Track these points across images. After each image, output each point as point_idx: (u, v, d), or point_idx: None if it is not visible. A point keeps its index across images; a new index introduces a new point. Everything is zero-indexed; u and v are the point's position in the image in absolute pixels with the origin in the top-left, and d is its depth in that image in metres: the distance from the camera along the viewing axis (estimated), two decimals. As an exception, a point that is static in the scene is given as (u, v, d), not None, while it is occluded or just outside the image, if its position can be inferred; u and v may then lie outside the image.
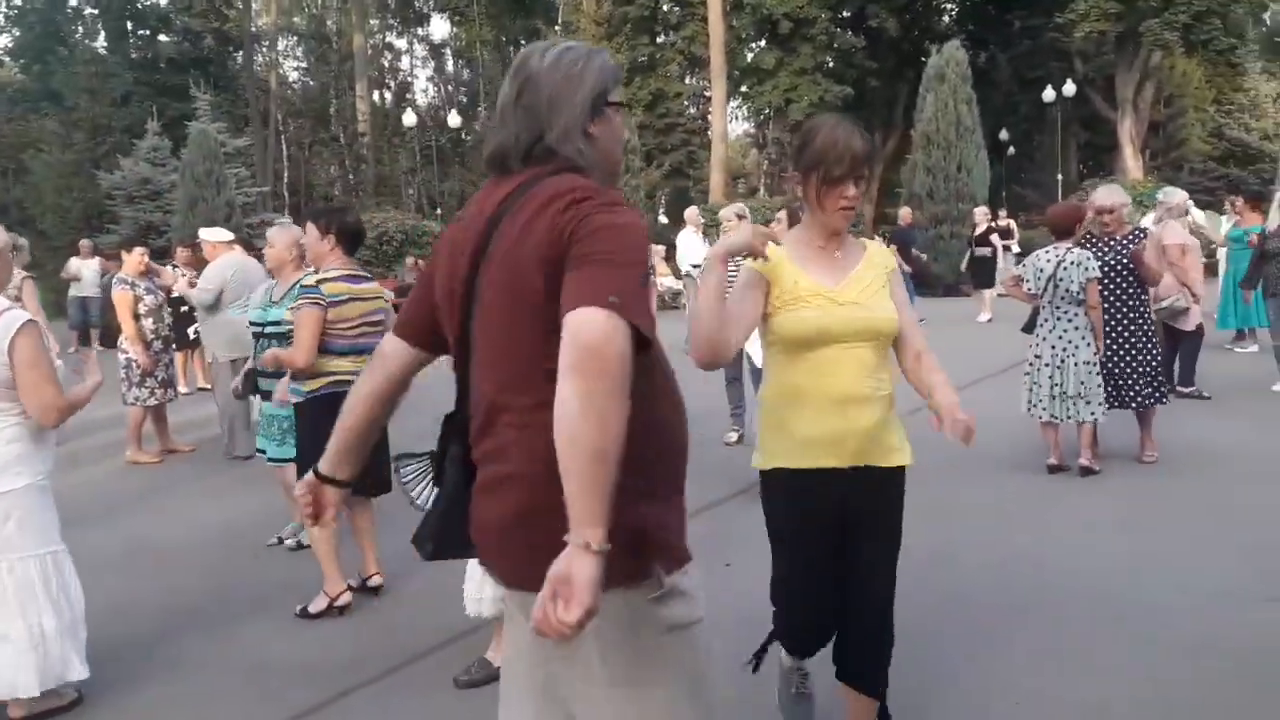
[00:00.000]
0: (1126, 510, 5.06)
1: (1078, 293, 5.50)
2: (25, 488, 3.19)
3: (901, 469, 2.53)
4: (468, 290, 1.65)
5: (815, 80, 27.98)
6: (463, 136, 33.71)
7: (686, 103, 35.99)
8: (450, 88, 42.95)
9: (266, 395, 4.65)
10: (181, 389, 9.22)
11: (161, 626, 4.14)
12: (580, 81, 1.66)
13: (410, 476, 3.53)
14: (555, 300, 1.46)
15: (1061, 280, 5.52)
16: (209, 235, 7.51)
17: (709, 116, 32.79)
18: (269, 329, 4.61)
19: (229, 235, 7.64)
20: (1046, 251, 5.65)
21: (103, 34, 28.12)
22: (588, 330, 1.38)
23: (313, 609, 4.14)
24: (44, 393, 3.11)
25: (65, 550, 3.36)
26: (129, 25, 27.81)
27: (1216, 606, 3.77)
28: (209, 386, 10.56)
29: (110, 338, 14.98)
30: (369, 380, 1.89)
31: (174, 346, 8.45)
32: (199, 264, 11.28)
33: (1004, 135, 29.47)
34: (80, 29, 28.57)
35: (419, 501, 3.35)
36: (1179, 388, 7.52)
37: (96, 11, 27.60)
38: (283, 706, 3.32)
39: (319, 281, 4.00)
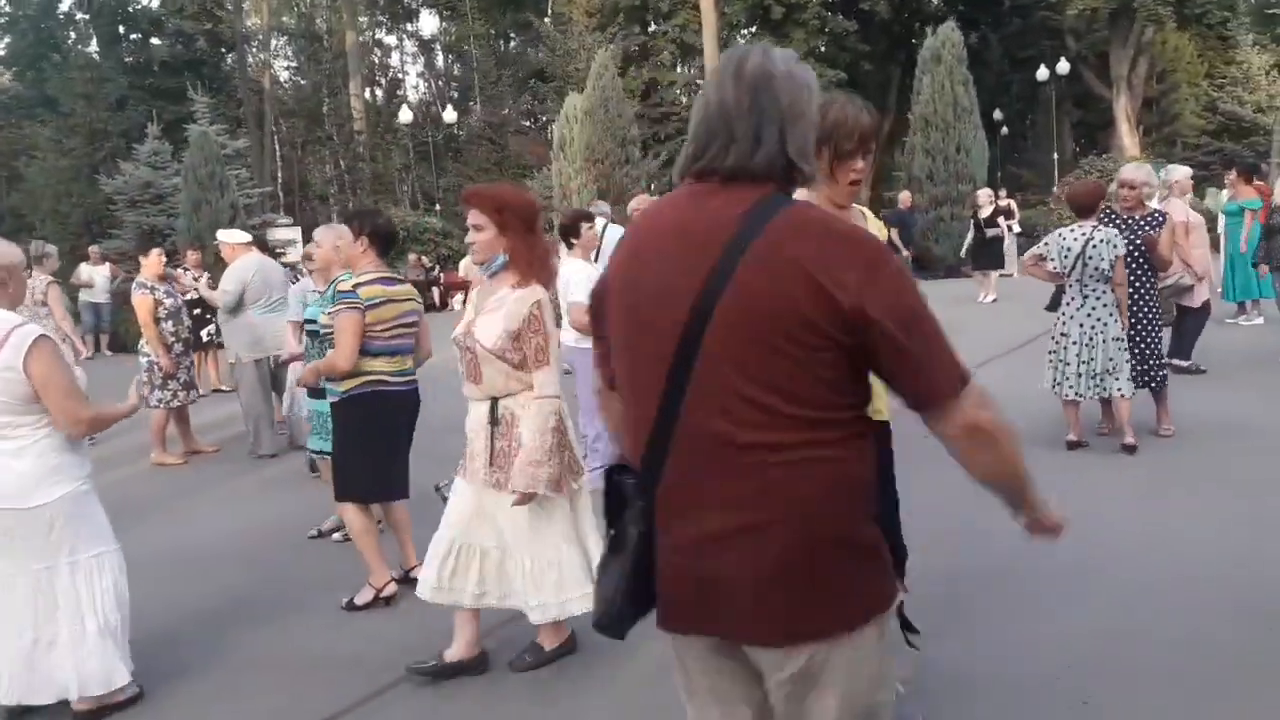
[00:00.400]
0: (1147, 483, 5.17)
1: (1107, 270, 5.57)
2: (64, 496, 3.24)
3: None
4: (698, 315, 1.49)
5: (808, 65, 27.96)
6: (456, 132, 33.65)
7: (679, 91, 35.98)
8: (441, 83, 42.85)
9: (321, 394, 4.68)
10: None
11: (208, 623, 4.23)
12: (813, 95, 1.60)
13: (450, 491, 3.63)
14: (828, 348, 1.46)
15: (1091, 258, 5.59)
16: (227, 237, 7.58)
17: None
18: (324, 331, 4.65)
19: (247, 237, 7.70)
20: (1071, 230, 5.72)
21: (95, 39, 28.05)
22: (968, 421, 1.51)
23: (359, 601, 4.24)
24: (66, 406, 3.17)
25: (115, 550, 3.42)
26: (121, 29, 27.75)
27: (1244, 573, 3.88)
28: (224, 388, 10.68)
29: (118, 343, 15.16)
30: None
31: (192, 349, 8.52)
32: (208, 267, 11.43)
33: (997, 115, 29.51)
34: (73, 34, 28.52)
35: None
36: (1175, 361, 7.57)
37: (88, 16, 27.53)
38: (336, 697, 3.41)
39: (355, 285, 4.07)
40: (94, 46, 28.23)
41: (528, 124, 35.89)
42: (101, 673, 3.31)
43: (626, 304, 1.62)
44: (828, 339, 1.45)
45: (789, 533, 1.48)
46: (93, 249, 16.03)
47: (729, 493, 1.50)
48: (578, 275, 5.68)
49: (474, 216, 3.28)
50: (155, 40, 28.22)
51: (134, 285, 7.75)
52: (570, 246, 5.98)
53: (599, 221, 6.40)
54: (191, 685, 3.64)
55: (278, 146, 34.06)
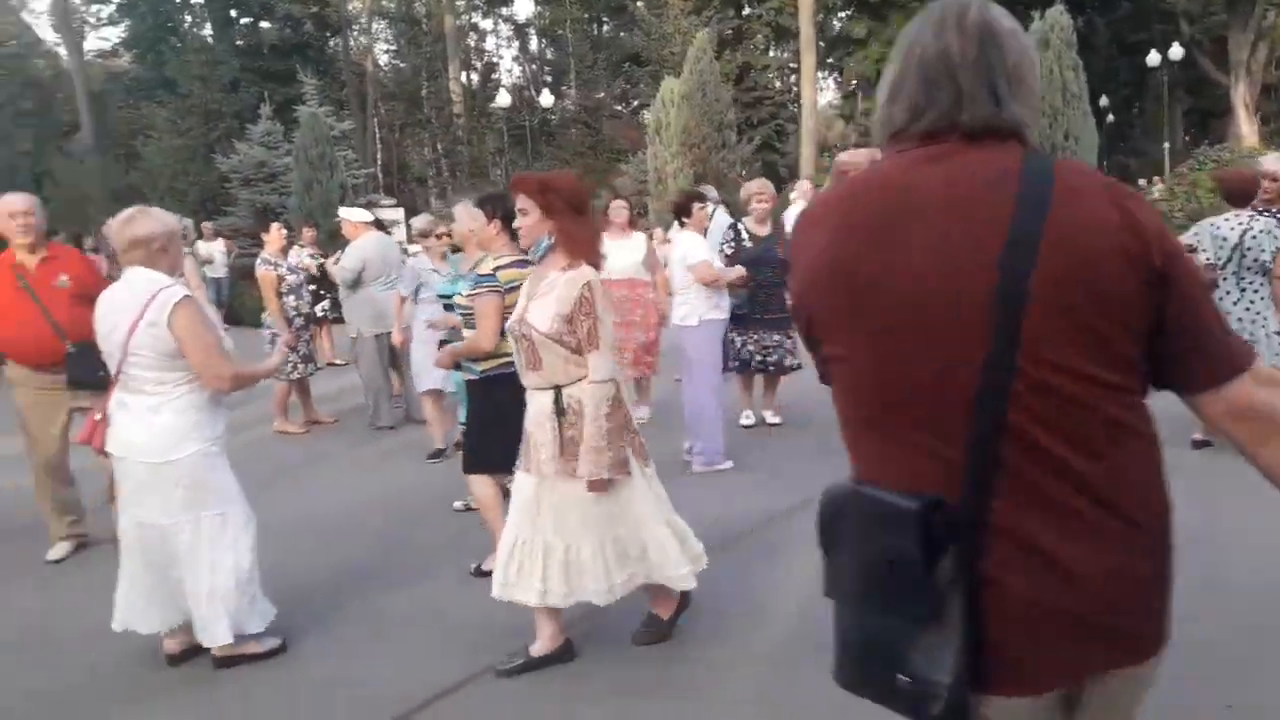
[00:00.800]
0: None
1: (1267, 261, 5.38)
2: (194, 454, 3.43)
3: None
4: (1008, 302, 1.23)
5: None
6: (549, 116, 33.99)
7: (773, 75, 35.69)
8: (535, 67, 43.28)
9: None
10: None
11: (339, 584, 4.43)
12: (1035, 64, 1.40)
13: None
14: (1138, 323, 1.26)
15: (1250, 249, 5.41)
16: (349, 215, 7.85)
17: (796, 89, 32.52)
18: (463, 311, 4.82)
19: (369, 215, 7.97)
20: (1226, 219, 5.54)
21: (209, 22, 29.14)
22: (1259, 400, 1.29)
23: (486, 566, 4.39)
24: (210, 362, 3.38)
25: (241, 510, 3.58)
26: (233, 13, 28.79)
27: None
28: (337, 361, 11.09)
29: (233, 317, 15.79)
30: None
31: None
32: (320, 244, 11.85)
33: (1104, 102, 28.53)
34: (189, 18, 29.68)
35: None
36: None
37: (203, 0, 28.60)
38: (470, 658, 3.55)
39: (495, 268, 4.20)
40: (208, 30, 29.33)
41: (620, 108, 36.05)
42: (225, 628, 3.48)
43: (883, 304, 1.31)
44: (1140, 312, 1.25)
45: (1140, 537, 1.32)
46: (206, 225, 16.69)
47: (1068, 512, 1.27)
48: (694, 245, 6.06)
49: (520, 200, 3.29)
50: (265, 24, 29.17)
51: (258, 261, 8.11)
52: (682, 225, 6.26)
53: (709, 205, 6.55)
54: (327, 642, 3.82)
55: (377, 129, 34.90)
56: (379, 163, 34.10)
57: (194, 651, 3.64)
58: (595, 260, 3.33)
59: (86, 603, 4.43)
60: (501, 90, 31.06)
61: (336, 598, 4.27)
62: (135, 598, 3.57)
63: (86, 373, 4.60)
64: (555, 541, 3.27)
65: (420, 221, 7.30)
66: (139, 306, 3.35)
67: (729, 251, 6.62)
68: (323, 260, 10.48)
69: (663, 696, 3.26)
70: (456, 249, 5.86)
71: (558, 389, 3.22)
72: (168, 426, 3.40)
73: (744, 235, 6.70)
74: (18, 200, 4.78)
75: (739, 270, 6.24)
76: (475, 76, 40.91)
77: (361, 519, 5.49)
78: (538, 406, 3.28)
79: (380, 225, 8.20)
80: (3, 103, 13.91)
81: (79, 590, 4.60)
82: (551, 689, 3.35)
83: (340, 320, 10.04)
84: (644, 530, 3.33)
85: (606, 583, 3.28)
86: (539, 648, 3.46)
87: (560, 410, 3.21)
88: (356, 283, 7.50)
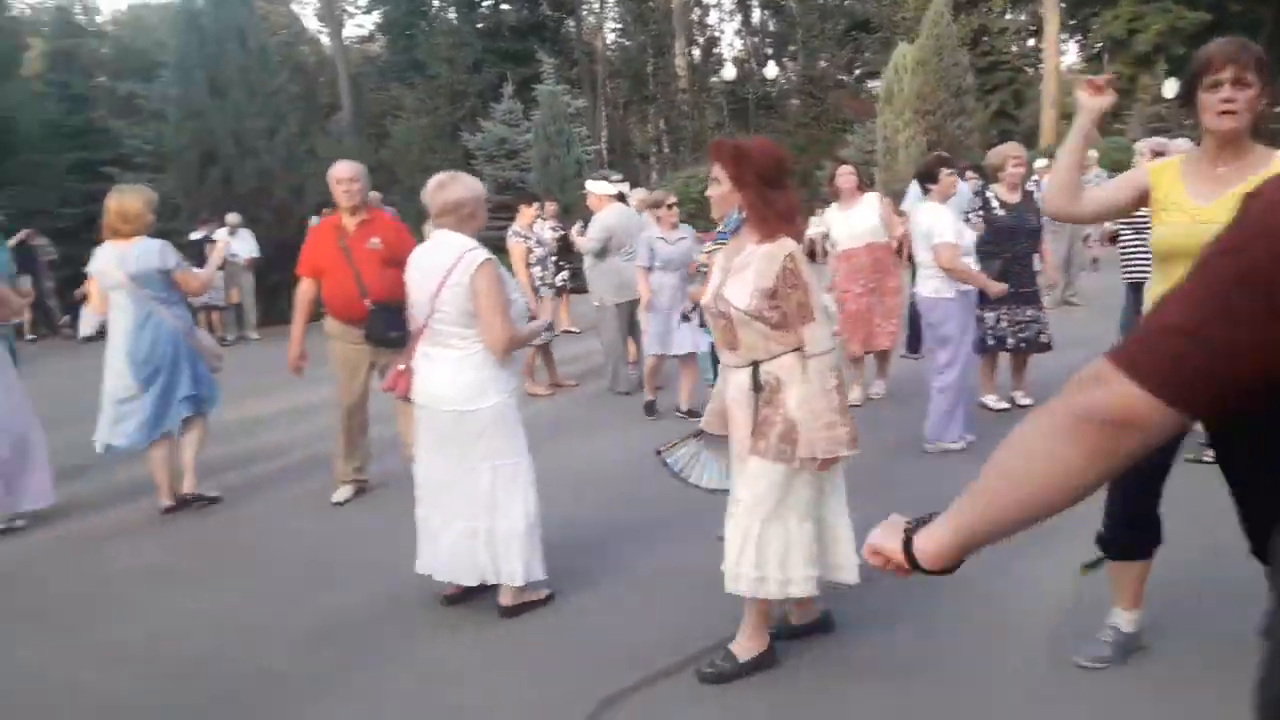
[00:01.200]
0: None
1: None
2: (495, 405, 3.66)
3: None
4: None
5: (1164, 6, 25.22)
6: (768, 89, 33.67)
7: (1010, 39, 33.72)
8: (756, 39, 42.96)
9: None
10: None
11: (591, 538, 4.64)
12: None
13: (682, 464, 3.64)
14: None
15: None
16: (594, 188, 8.16)
17: (1035, 52, 30.58)
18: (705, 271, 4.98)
19: (613, 188, 8.26)
20: None
21: (454, 6, 30.89)
22: None
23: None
24: (495, 324, 3.58)
25: (529, 461, 3.80)
26: (477, -4, 30.44)
27: None
28: (573, 329, 11.60)
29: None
30: None
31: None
32: (562, 216, 12.37)
33: None
34: (436, 2, 31.58)
35: (701, 484, 3.50)
36: None
37: (449, -16, 30.40)
38: (737, 613, 3.61)
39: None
40: (453, 14, 31.09)
41: (844, 78, 35.23)
42: (520, 569, 3.72)
43: None
44: None
45: None
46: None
47: None
48: (940, 218, 5.71)
49: (713, 169, 3.18)
50: (505, 5, 30.58)
51: (509, 233, 8.59)
52: (926, 192, 5.99)
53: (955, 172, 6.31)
54: (592, 594, 4.01)
55: (603, 106, 35.85)
56: (604, 139, 35.04)
57: (470, 594, 3.89)
58: (793, 234, 3.12)
59: (363, 541, 4.93)
60: (727, 63, 31.07)
61: (591, 552, 4.48)
62: (428, 540, 3.86)
63: (382, 331, 5.08)
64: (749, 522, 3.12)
65: (648, 193, 7.51)
66: (447, 266, 3.58)
67: (978, 221, 6.35)
68: (563, 232, 10.95)
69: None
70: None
71: (755, 364, 3.10)
72: (470, 378, 3.63)
73: (994, 203, 6.39)
74: (345, 168, 5.26)
75: (1001, 286, 5.84)
76: (697, 52, 41.13)
77: (608, 475, 5.75)
78: (736, 384, 3.16)
79: (622, 198, 8.47)
80: (277, 88, 15.44)
81: (357, 529, 5.12)
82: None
83: (577, 290, 10.53)
84: (786, 523, 3.12)
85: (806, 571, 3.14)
86: (798, 617, 3.44)
87: (757, 387, 3.09)
88: (602, 252, 7.80)
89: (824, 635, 3.50)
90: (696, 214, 10.91)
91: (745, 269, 3.06)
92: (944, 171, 5.91)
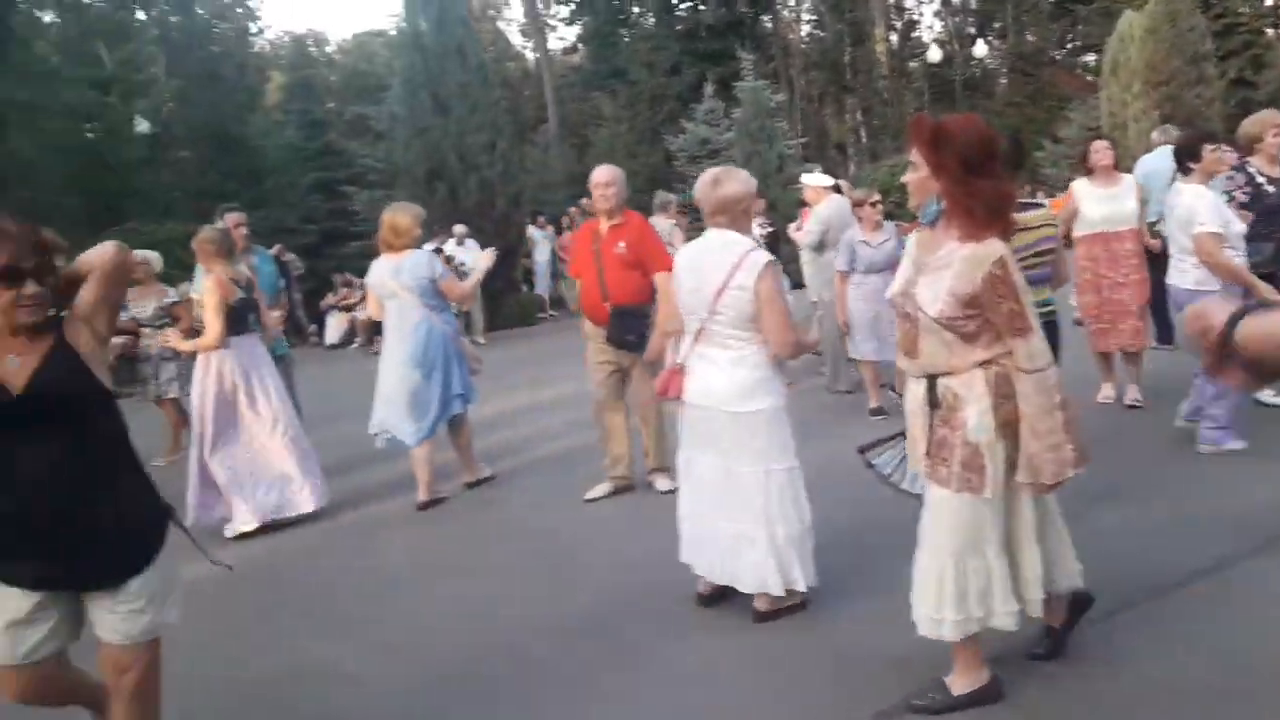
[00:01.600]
0: None
1: None
2: (769, 408, 3.59)
3: None
4: None
5: None
6: (973, 70, 32.19)
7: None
8: (957, 19, 41.23)
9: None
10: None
11: (843, 543, 4.42)
12: None
13: (890, 468, 3.46)
14: None
15: None
16: (811, 180, 8.05)
17: (1275, 11, 27.67)
18: None
19: (830, 180, 8.13)
20: None
21: (652, 11, 31.38)
22: None
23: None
24: (780, 329, 3.50)
25: (799, 466, 3.69)
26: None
27: None
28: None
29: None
30: None
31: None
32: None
33: None
34: (636, 8, 32.18)
35: (913, 490, 3.24)
36: None
37: (649, -11, 30.92)
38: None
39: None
40: (651, 18, 31.59)
41: (1057, 54, 33.24)
42: (783, 576, 3.62)
43: None
44: None
45: None
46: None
47: None
48: (1202, 201, 5.13)
49: (911, 152, 2.84)
50: (702, 6, 30.77)
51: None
52: (1186, 172, 5.41)
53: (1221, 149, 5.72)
54: (846, 602, 3.83)
55: (798, 100, 35.43)
56: (799, 131, 34.63)
57: (724, 595, 3.84)
58: (1001, 231, 2.72)
59: (615, 537, 5.04)
60: (931, 45, 29.99)
61: (839, 557, 4.24)
62: (692, 539, 3.85)
63: (620, 334, 5.22)
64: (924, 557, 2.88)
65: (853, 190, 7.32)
66: (729, 268, 3.49)
67: (1244, 199, 5.76)
68: (771, 229, 10.90)
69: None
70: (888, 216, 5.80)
71: (931, 378, 2.80)
72: (747, 379, 3.57)
73: (1259, 179, 5.74)
74: (602, 173, 5.43)
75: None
76: (894, 37, 39.93)
77: (843, 480, 5.63)
78: (913, 395, 2.89)
79: (838, 190, 8.31)
80: (491, 103, 16.29)
81: (610, 525, 5.26)
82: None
83: (798, 286, 10.43)
84: (981, 557, 2.81)
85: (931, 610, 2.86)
86: (958, 684, 3.00)
87: (933, 402, 2.80)
88: (820, 246, 7.68)
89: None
90: (903, 203, 10.57)
91: (942, 269, 2.71)
92: (1206, 148, 5.33)
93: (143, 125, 23.88)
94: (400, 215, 5.70)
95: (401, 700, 3.55)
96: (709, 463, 3.71)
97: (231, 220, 6.71)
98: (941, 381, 2.75)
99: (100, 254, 2.62)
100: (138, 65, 25.82)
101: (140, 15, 27.84)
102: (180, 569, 2.76)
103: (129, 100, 24.86)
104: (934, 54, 26.11)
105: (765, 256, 3.54)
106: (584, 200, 16.66)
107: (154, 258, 8.01)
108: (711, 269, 3.56)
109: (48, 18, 26.23)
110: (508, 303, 16.12)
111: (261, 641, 4.23)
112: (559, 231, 17.07)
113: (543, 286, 17.14)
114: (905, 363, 2.88)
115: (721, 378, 3.60)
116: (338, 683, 3.73)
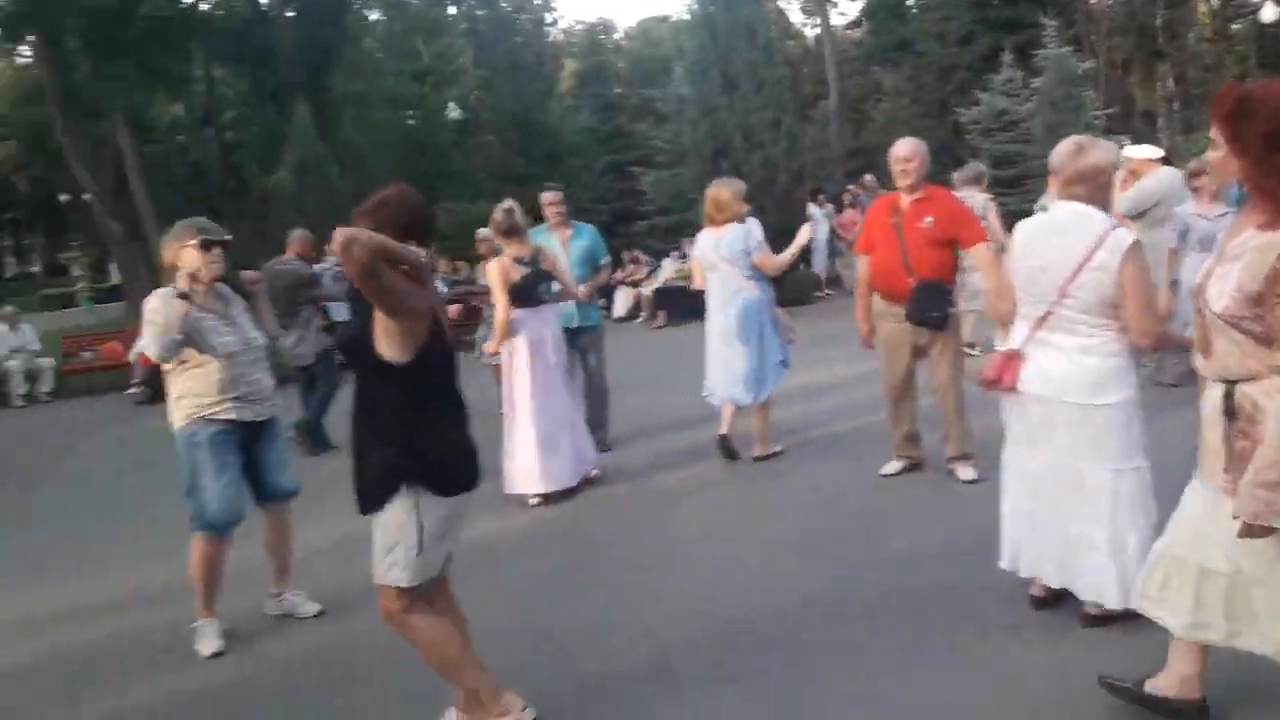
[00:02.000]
0: None
1: None
2: (1121, 401, 3.24)
3: None
4: None
5: None
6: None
7: None
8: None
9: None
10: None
11: None
12: None
13: None
14: None
15: None
16: (1135, 153, 7.42)
17: None
18: None
19: (1159, 151, 7.50)
20: None
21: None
22: None
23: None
24: (1145, 317, 3.15)
25: (1148, 468, 3.32)
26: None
27: None
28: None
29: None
30: None
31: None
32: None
33: None
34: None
35: None
36: None
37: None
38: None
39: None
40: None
41: None
42: (1123, 589, 3.22)
43: None
44: None
45: None
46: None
47: None
48: None
49: (1212, 128, 2.46)
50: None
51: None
52: None
53: None
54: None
55: (1103, 67, 32.61)
56: (1101, 101, 31.82)
57: (1059, 599, 3.55)
58: None
59: (912, 521, 4.91)
60: (1267, 4, 26.40)
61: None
62: (1020, 536, 3.55)
63: (923, 310, 5.08)
64: (1220, 568, 2.53)
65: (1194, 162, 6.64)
66: (1088, 246, 3.16)
67: None
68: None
69: None
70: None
71: (1229, 384, 2.42)
72: (1098, 369, 3.24)
73: None
74: (904, 147, 5.34)
75: None
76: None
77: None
78: (1209, 402, 2.53)
79: (1168, 161, 7.57)
80: (776, 80, 16.29)
81: (904, 507, 5.15)
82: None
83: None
84: None
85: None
86: (1159, 683, 2.80)
87: (1229, 411, 2.41)
88: (1149, 222, 7.03)
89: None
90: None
91: (1235, 260, 2.37)
92: None
93: (454, 112, 25.98)
94: (722, 190, 6.03)
95: (682, 652, 3.68)
96: (1039, 456, 3.42)
97: (546, 199, 7.01)
98: (1239, 388, 2.39)
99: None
100: (450, 57, 28.13)
101: (451, 10, 30.30)
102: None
103: (441, 89, 27.17)
104: (1268, 13, 22.79)
105: (1130, 236, 3.19)
106: (866, 177, 16.29)
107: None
108: (1064, 246, 3.23)
109: (373, 15, 29.18)
110: (785, 280, 16.03)
111: (551, 596, 4.47)
112: (839, 209, 16.78)
113: (820, 264, 16.89)
114: (1200, 362, 2.55)
115: (1068, 366, 3.28)
116: (620, 637, 3.89)
